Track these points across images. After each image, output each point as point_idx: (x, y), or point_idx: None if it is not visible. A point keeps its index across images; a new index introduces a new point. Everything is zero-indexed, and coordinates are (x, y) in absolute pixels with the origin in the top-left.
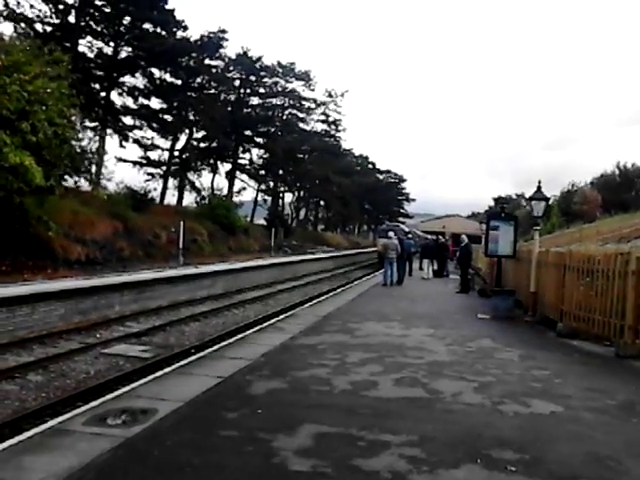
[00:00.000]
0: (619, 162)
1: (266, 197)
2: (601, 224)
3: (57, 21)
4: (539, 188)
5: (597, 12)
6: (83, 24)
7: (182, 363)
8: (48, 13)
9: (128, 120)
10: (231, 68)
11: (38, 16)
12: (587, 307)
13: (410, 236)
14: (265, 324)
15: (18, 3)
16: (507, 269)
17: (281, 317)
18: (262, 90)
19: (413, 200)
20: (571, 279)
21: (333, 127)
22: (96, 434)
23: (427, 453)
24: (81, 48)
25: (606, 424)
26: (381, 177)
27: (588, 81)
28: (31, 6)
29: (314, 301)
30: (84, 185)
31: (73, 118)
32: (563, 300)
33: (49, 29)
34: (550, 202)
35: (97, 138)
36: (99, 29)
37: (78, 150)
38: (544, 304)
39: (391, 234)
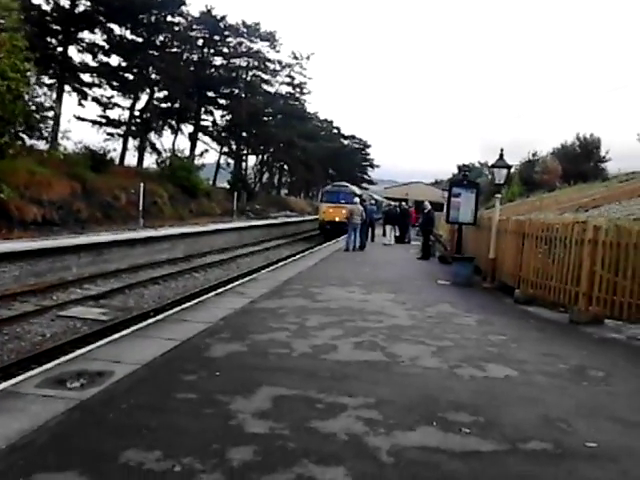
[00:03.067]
0: (578, 133)
1: (229, 160)
2: (560, 193)
3: None
4: (501, 156)
5: None
6: None
7: (140, 326)
8: None
9: (87, 78)
10: (194, 27)
11: None
12: (544, 274)
13: (362, 199)
14: (225, 288)
15: None
16: (468, 236)
17: (242, 281)
18: (226, 50)
19: (377, 166)
20: (529, 247)
21: (298, 90)
22: (50, 397)
23: (384, 416)
24: (36, 1)
25: (558, 387)
26: (345, 142)
27: (557, 54)
28: None
29: (275, 266)
30: (40, 144)
31: (28, 73)
32: (521, 267)
33: None
34: (512, 170)
35: (54, 95)
36: None
37: (33, 107)
38: (503, 271)
39: (356, 199)
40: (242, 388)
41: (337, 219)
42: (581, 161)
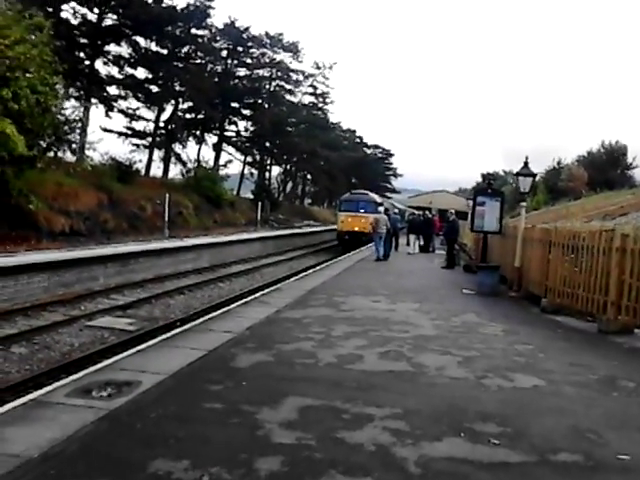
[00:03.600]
0: (604, 140)
1: (253, 170)
2: (586, 201)
3: None
4: (526, 164)
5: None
6: None
7: (167, 336)
8: None
9: (113, 90)
10: (218, 38)
11: None
12: (571, 283)
13: (385, 207)
14: (250, 298)
15: None
16: (493, 245)
17: (266, 291)
18: (249, 61)
19: (400, 175)
20: (556, 255)
21: (321, 100)
22: (79, 406)
23: (411, 426)
24: (64, 14)
25: (587, 398)
26: (369, 151)
27: (583, 62)
28: None
29: (299, 275)
30: (68, 156)
31: (56, 86)
32: (547, 276)
33: None
34: (537, 179)
35: (81, 108)
36: None
37: (61, 119)
38: (529, 280)
39: (380, 209)
40: (268, 398)
41: (356, 229)
42: (607, 168)
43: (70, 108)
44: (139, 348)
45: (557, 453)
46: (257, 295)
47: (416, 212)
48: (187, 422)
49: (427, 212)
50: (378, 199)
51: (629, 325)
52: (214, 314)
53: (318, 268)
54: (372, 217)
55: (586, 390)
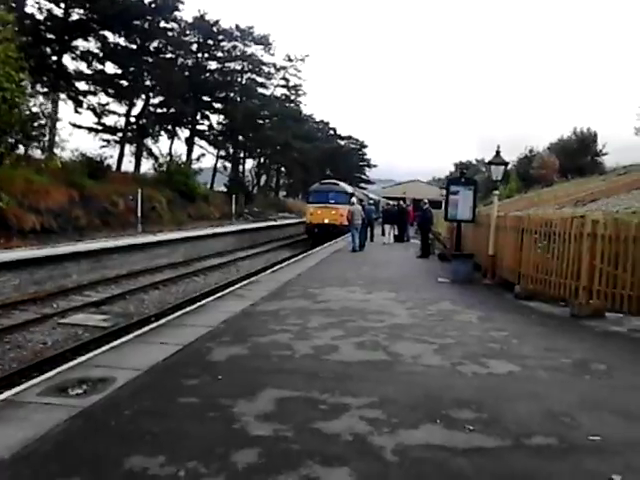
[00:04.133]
0: (576, 127)
1: (226, 163)
2: (558, 188)
3: None
4: (498, 153)
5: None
6: None
7: (142, 331)
8: None
9: (82, 85)
10: (188, 32)
11: None
12: (544, 269)
13: (356, 197)
14: (226, 291)
15: None
16: (467, 233)
17: (242, 284)
18: (220, 54)
19: (375, 166)
20: (528, 242)
21: (293, 92)
22: (52, 404)
23: (387, 415)
24: (29, 9)
25: (561, 382)
26: (342, 143)
27: (553, 49)
28: None
29: (275, 268)
30: (37, 153)
31: (23, 83)
32: (521, 263)
33: None
34: (509, 167)
35: (50, 104)
36: None
37: (29, 116)
38: (502, 267)
39: (354, 200)
40: (245, 391)
41: (326, 221)
42: (578, 155)
43: (38, 105)
44: (113, 344)
45: (531, 437)
46: (233, 288)
47: (390, 202)
48: (163, 417)
49: (401, 202)
50: (349, 189)
51: (600, 309)
52: (189, 309)
53: (293, 260)
54: (344, 208)
55: (560, 374)
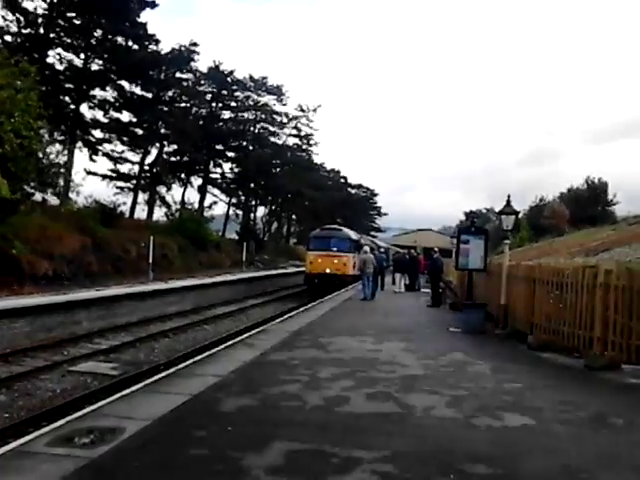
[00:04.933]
0: (588, 177)
1: (238, 211)
2: (569, 238)
3: (26, 32)
4: (508, 202)
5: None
6: (53, 36)
7: (151, 380)
8: (16, 24)
9: (98, 133)
10: (203, 82)
11: (5, 27)
12: (557, 320)
13: (360, 244)
14: (235, 340)
15: None
16: (478, 282)
17: (252, 333)
18: (234, 104)
19: (385, 214)
20: (541, 292)
21: (305, 141)
22: (60, 455)
23: (400, 469)
24: (50, 60)
25: (577, 436)
26: (353, 191)
27: (562, 100)
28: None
29: (285, 316)
30: (52, 199)
31: (41, 131)
32: (533, 313)
33: (18, 40)
34: (520, 216)
35: (66, 151)
36: (69, 41)
37: (46, 163)
38: (515, 317)
39: (366, 248)
40: (254, 443)
41: (328, 271)
42: (589, 205)
43: (54, 152)
44: (123, 393)
45: None
46: (242, 337)
47: (400, 250)
48: (171, 470)
49: (412, 250)
50: (354, 235)
51: (616, 360)
52: (199, 357)
53: (303, 308)
54: (347, 257)
55: (576, 428)
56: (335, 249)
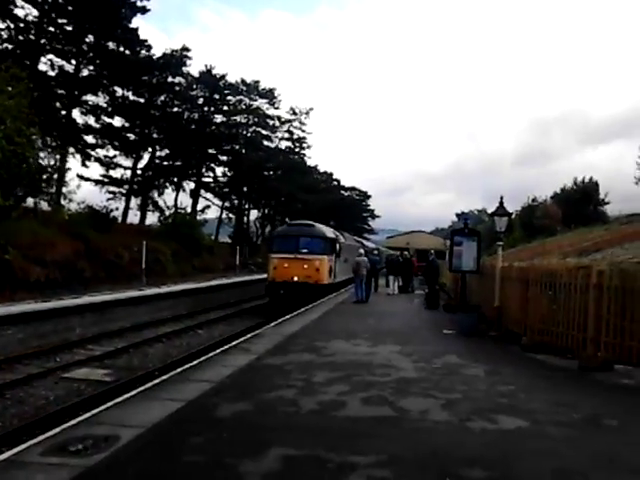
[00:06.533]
0: (576, 177)
1: (231, 215)
2: (562, 238)
3: (18, 39)
4: (501, 204)
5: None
6: (44, 42)
7: (145, 387)
8: (7, 31)
9: (90, 139)
10: (195, 86)
11: None
12: (550, 321)
13: (338, 243)
14: (230, 345)
15: None
16: (471, 284)
17: (246, 337)
18: (226, 108)
19: (378, 216)
20: (534, 293)
21: (298, 145)
22: (54, 464)
23: (396, 474)
24: (42, 66)
25: (572, 438)
26: (346, 194)
27: (556, 100)
28: None
29: (280, 320)
30: (44, 205)
31: (33, 137)
32: (527, 314)
33: (9, 47)
34: (512, 216)
35: (58, 157)
36: (60, 47)
37: (38, 169)
38: (508, 318)
39: (361, 251)
40: (250, 449)
41: (296, 279)
42: (581, 205)
43: (47, 158)
44: (117, 400)
45: None
46: (237, 342)
47: (393, 252)
48: (167, 478)
49: (405, 252)
50: (330, 233)
51: (609, 361)
52: (193, 363)
53: (297, 312)
54: (321, 260)
55: (570, 430)
56: (305, 250)
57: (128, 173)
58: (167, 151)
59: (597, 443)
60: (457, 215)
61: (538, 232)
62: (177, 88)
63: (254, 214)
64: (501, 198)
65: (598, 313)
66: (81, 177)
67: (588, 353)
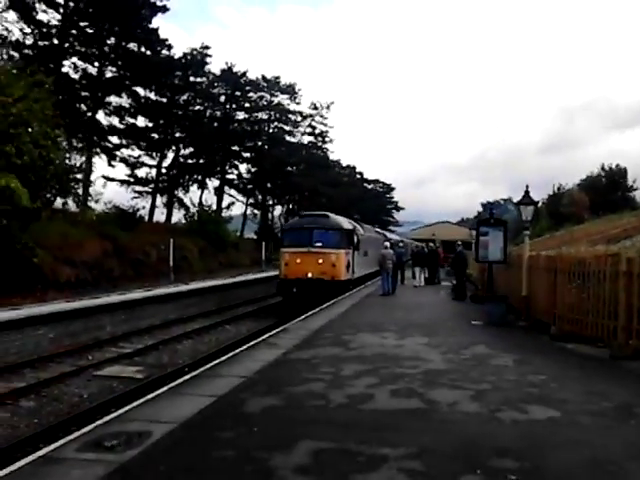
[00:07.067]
0: (603, 164)
1: (255, 211)
2: (589, 225)
3: (42, 43)
4: (527, 193)
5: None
6: (67, 45)
7: (176, 383)
8: (31, 36)
9: (115, 139)
10: (216, 84)
11: (21, 39)
12: (579, 309)
13: (356, 234)
14: (258, 340)
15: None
16: (498, 274)
17: (274, 332)
18: (248, 105)
19: (402, 208)
20: (562, 282)
21: (320, 139)
22: (90, 460)
23: (426, 465)
24: (65, 69)
25: (604, 427)
26: (369, 187)
27: (581, 87)
28: (8, 30)
29: (307, 314)
30: (72, 206)
31: (58, 139)
32: (555, 303)
33: (33, 51)
34: (538, 205)
35: (84, 158)
36: (83, 50)
37: (65, 171)
38: (537, 308)
39: (387, 244)
40: (280, 443)
41: (310, 275)
42: (608, 191)
43: (73, 159)
44: (148, 397)
45: None
46: (264, 337)
47: (418, 244)
48: (199, 472)
49: (431, 244)
50: (347, 224)
51: None
52: (222, 358)
53: (324, 306)
54: (338, 254)
55: (603, 419)
56: (319, 244)
57: (153, 172)
58: (191, 149)
59: (630, 433)
60: (483, 205)
61: (565, 220)
62: (199, 87)
63: (278, 210)
64: (527, 187)
65: (629, 301)
66: (107, 178)
67: (619, 342)
